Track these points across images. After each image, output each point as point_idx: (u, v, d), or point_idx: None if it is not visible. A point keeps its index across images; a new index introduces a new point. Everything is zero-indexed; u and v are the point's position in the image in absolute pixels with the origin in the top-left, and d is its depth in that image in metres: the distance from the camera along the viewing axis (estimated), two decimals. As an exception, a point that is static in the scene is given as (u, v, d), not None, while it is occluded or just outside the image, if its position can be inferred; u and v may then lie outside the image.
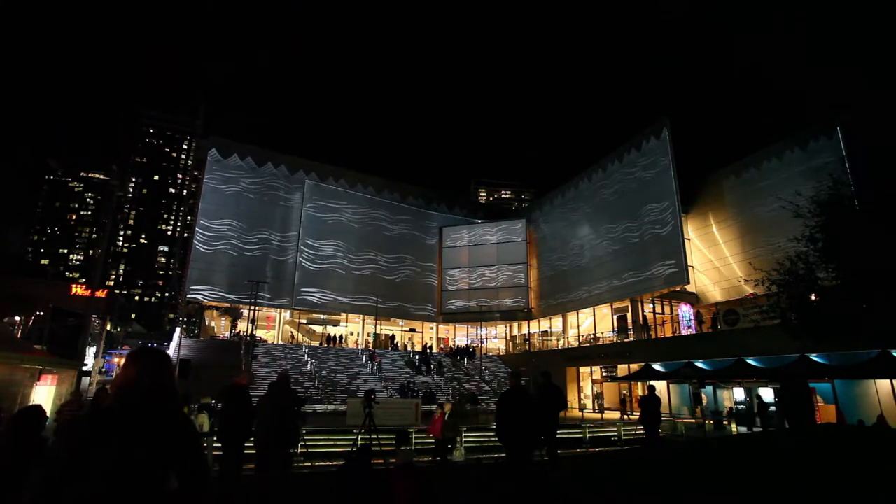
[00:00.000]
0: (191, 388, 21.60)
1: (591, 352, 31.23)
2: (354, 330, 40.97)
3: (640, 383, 26.78)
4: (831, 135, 23.93)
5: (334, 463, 11.11)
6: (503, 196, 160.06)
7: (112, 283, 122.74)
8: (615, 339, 31.42)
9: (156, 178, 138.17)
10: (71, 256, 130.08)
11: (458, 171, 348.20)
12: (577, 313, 36.74)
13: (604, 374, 30.77)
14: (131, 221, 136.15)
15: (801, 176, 23.62)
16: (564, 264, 37.70)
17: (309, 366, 29.42)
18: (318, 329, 40.04)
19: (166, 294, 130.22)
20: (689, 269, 28.30)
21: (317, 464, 11.48)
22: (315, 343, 36.65)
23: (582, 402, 31.18)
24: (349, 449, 10.17)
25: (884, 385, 16.85)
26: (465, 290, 43.17)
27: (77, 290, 32.90)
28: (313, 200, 40.17)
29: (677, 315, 29.47)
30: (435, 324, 43.72)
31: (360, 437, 8.61)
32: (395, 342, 39.67)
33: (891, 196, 11.14)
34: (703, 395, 24.00)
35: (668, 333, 28.35)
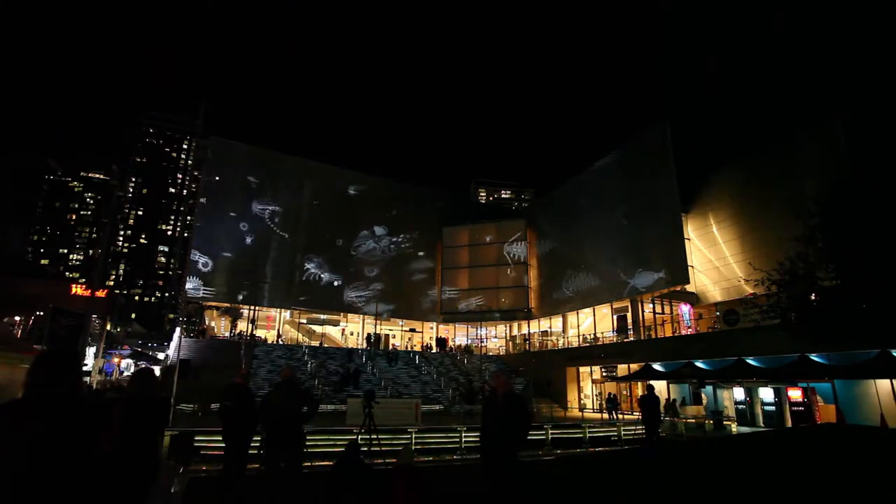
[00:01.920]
0: (191, 388, 21.67)
1: (591, 352, 31.22)
2: (354, 330, 40.99)
3: (639, 383, 26.81)
4: (832, 133, 23.86)
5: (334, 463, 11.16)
6: (503, 196, 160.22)
7: (112, 283, 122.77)
8: (615, 339, 31.43)
9: (156, 178, 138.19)
10: (71, 256, 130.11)
11: (458, 171, 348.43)
12: (577, 313, 36.74)
13: (604, 374, 30.79)
14: (131, 221, 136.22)
15: (801, 175, 23.58)
16: (564, 264, 37.71)
17: (309, 366, 29.44)
18: (317, 329, 40.05)
19: (166, 294, 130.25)
20: (689, 269, 28.30)
21: (316, 463, 11.53)
22: (315, 343, 36.65)
23: (582, 401, 31.21)
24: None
25: (884, 385, 16.84)
26: (465, 290, 43.20)
27: (77, 290, 32.96)
28: (313, 200, 40.21)
29: (677, 315, 29.47)
30: (435, 324, 43.73)
31: (359, 436, 8.60)
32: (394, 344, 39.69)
33: (891, 195, 11.15)
34: (703, 395, 24.00)
35: (668, 333, 28.35)
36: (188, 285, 34.91)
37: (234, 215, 36.62)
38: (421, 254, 44.03)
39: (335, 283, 39.50)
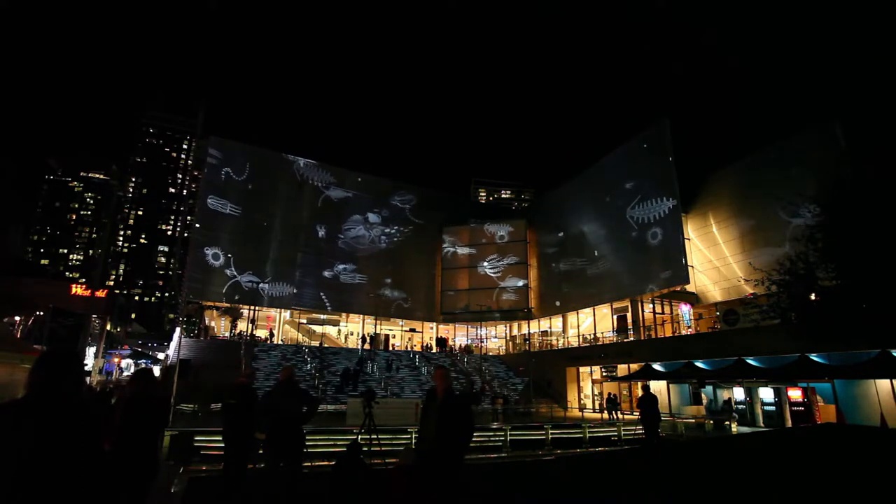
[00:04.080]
0: (191, 388, 21.66)
1: (591, 352, 31.23)
2: (354, 330, 40.98)
3: (639, 383, 26.85)
4: (832, 133, 23.86)
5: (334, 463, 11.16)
6: (503, 196, 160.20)
7: (112, 283, 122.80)
8: (615, 339, 31.43)
9: (156, 178, 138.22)
10: (71, 256, 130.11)
11: (458, 171, 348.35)
12: (577, 313, 36.73)
13: (604, 374, 30.80)
14: (131, 221, 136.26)
15: (801, 175, 23.55)
16: (564, 264, 37.72)
17: (309, 365, 29.45)
18: (317, 329, 40.04)
19: (166, 294, 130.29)
20: (689, 269, 28.31)
21: (316, 463, 11.52)
22: (315, 343, 36.64)
23: (582, 401, 31.23)
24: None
25: (884, 385, 16.84)
26: (464, 290, 43.20)
27: (77, 290, 32.99)
28: (313, 200, 40.22)
29: (677, 315, 29.47)
30: (435, 324, 43.73)
31: (359, 436, 8.61)
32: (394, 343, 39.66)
33: (890, 195, 11.14)
34: (703, 395, 24.01)
35: (668, 333, 28.35)
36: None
37: (235, 211, 36.64)
38: (421, 254, 44.02)
39: (326, 274, 39.72)
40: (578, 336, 35.73)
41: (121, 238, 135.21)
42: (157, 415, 4.16)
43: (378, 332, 40.21)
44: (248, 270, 36.28)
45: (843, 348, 16.90)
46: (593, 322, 35.10)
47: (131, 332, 66.42)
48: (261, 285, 36.48)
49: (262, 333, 36.31)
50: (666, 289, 29.06)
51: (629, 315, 31.22)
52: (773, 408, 20.73)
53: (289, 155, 40.72)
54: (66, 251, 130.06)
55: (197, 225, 35.93)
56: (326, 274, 39.57)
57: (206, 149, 36.98)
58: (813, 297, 12.53)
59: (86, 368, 31.44)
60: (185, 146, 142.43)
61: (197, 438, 13.11)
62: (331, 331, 41.04)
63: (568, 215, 38.31)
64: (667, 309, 30.37)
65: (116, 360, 43.76)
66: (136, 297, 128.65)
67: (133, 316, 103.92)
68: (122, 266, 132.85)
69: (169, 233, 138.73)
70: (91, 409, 2.44)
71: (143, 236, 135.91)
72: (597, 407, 29.18)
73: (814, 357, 18.16)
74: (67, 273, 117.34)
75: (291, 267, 38.08)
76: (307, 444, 8.63)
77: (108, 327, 40.98)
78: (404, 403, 20.57)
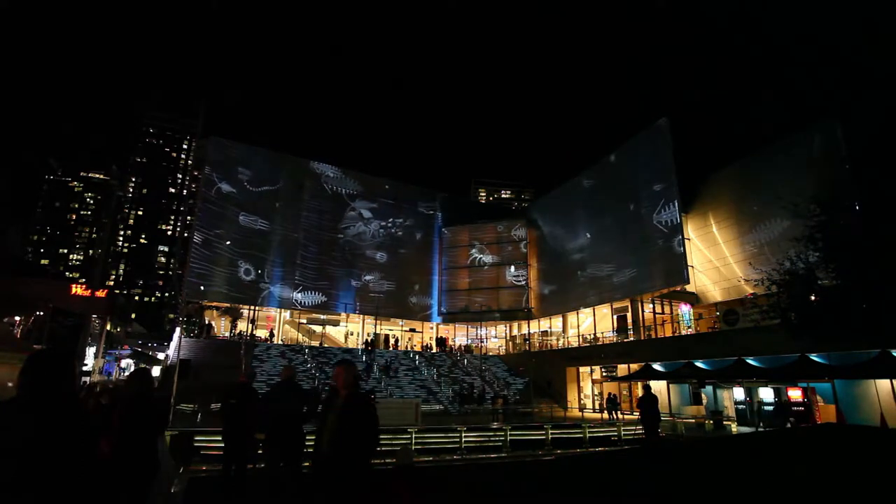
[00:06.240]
0: (191, 388, 21.66)
1: (591, 352, 31.22)
2: (354, 330, 40.96)
3: (639, 383, 26.83)
4: (832, 134, 23.82)
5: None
6: (503, 196, 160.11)
7: (112, 283, 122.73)
8: (615, 339, 31.42)
9: (156, 178, 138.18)
10: (71, 256, 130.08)
11: (458, 171, 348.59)
12: (577, 313, 36.72)
13: (604, 374, 30.79)
14: (131, 221, 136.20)
15: (801, 175, 23.53)
16: (564, 264, 37.71)
17: (309, 366, 29.44)
18: (317, 329, 40.02)
19: (166, 294, 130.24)
20: (689, 269, 28.29)
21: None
22: (315, 343, 36.63)
23: (582, 401, 31.23)
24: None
25: (884, 385, 16.84)
26: (465, 290, 43.19)
27: (77, 289, 32.91)
28: (313, 200, 40.19)
29: (677, 315, 29.46)
30: (435, 324, 43.72)
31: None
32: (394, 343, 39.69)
33: (890, 194, 11.14)
34: (703, 395, 24.00)
35: (668, 333, 28.34)
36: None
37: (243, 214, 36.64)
38: (421, 254, 44.00)
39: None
40: (578, 336, 35.71)
41: (121, 238, 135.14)
42: (156, 415, 4.16)
43: (378, 332, 40.20)
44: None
45: (843, 348, 16.89)
46: (593, 322, 35.08)
47: (131, 332, 66.28)
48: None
49: (262, 333, 36.27)
50: (666, 289, 29.05)
51: (629, 315, 31.20)
52: (773, 408, 20.72)
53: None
54: (66, 251, 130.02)
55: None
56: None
57: (205, 148, 37.12)
58: (813, 297, 12.53)
59: (84, 369, 31.49)
60: (185, 146, 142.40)
61: (197, 438, 13.11)
62: (331, 331, 41.01)
63: (568, 215, 38.29)
64: (667, 309, 30.36)
65: (116, 360, 43.75)
66: (136, 297, 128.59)
67: (133, 316, 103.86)
68: (122, 266, 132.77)
69: (169, 233, 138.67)
70: (85, 410, 2.42)
71: (143, 236, 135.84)
72: (597, 407, 29.18)
73: (814, 357, 18.15)
74: (67, 273, 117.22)
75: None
76: (307, 443, 8.62)
77: (108, 327, 40.95)
78: (404, 403, 20.57)
